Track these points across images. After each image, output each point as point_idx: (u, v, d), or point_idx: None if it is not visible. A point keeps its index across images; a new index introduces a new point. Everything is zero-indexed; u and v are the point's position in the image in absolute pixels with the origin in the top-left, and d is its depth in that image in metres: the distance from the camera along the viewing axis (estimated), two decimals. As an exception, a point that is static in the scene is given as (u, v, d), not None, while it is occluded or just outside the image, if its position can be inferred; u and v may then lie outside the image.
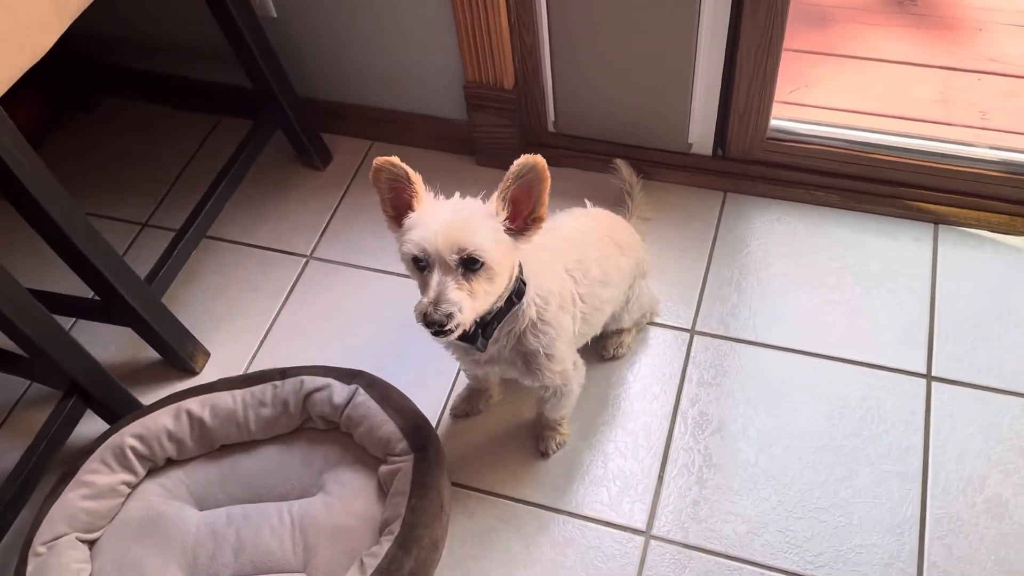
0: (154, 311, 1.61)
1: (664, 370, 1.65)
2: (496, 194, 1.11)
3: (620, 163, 1.86)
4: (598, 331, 1.52)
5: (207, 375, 1.72)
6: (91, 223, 1.41)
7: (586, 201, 1.54)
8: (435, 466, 1.38)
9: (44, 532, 1.34)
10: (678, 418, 1.58)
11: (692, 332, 1.70)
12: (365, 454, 1.44)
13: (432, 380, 1.67)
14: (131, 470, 1.44)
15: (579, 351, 1.43)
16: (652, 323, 1.71)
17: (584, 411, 1.60)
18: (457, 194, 1.15)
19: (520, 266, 1.21)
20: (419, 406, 1.43)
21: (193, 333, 1.73)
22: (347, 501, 1.40)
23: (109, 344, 1.81)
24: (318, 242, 1.93)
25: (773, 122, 1.81)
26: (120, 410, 1.55)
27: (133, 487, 1.45)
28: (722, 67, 1.71)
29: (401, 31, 1.84)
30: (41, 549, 1.32)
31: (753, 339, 1.67)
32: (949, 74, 2.12)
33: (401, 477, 1.37)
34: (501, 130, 1.93)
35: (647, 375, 1.65)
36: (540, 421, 1.55)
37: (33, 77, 1.32)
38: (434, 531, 1.32)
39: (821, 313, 1.69)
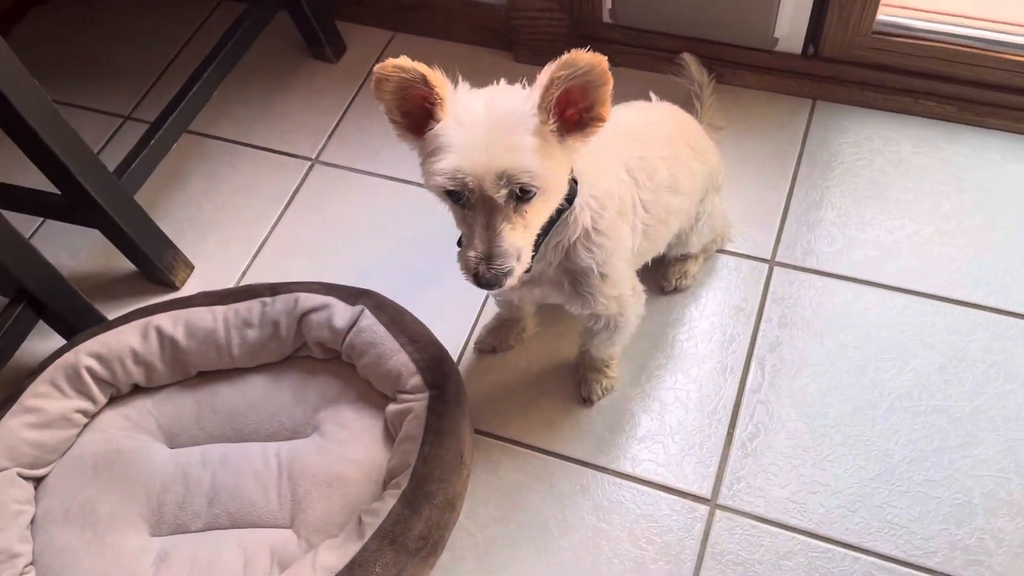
0: (125, 210, 1.36)
1: (737, 307, 1.37)
2: (537, 92, 0.84)
3: (688, 58, 1.55)
4: (661, 250, 1.25)
5: (190, 290, 1.46)
6: (50, 102, 1.18)
7: (651, 94, 1.27)
8: (455, 407, 1.13)
9: (-23, 465, 1.13)
10: (752, 365, 1.30)
11: (772, 263, 1.41)
12: (370, 390, 1.22)
13: (454, 307, 1.40)
14: (88, 396, 1.21)
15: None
16: (723, 250, 1.43)
17: (637, 352, 1.33)
18: (493, 84, 0.90)
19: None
20: (437, 337, 1.18)
21: (176, 243, 1.48)
22: (346, 445, 1.17)
23: (79, 251, 1.57)
24: (325, 144, 1.68)
25: (880, 16, 1.49)
26: (80, 325, 1.31)
27: (91, 417, 1.24)
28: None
29: None
30: (-28, 484, 1.11)
31: (847, 274, 1.38)
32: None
33: (412, 419, 1.12)
34: (547, 18, 1.66)
35: (716, 312, 1.37)
36: (584, 360, 1.29)
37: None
38: (451, 486, 1.08)
39: (933, 245, 1.39)
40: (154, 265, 1.45)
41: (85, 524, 1.11)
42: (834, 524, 1.16)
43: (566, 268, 1.05)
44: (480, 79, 0.90)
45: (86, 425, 1.22)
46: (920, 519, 1.15)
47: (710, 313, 1.37)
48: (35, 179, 1.31)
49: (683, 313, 1.38)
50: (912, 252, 1.39)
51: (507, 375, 1.35)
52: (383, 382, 1.20)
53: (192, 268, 1.52)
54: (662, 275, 1.39)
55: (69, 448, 1.20)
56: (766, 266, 1.41)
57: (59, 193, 1.32)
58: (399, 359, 1.18)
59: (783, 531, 1.16)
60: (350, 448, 1.19)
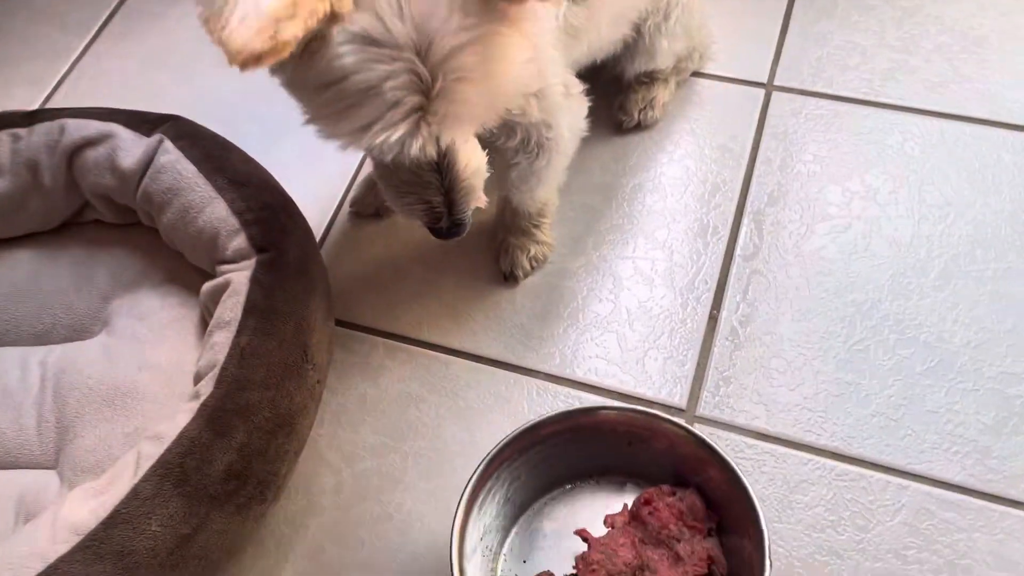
0: None
1: (723, 147, 0.98)
2: None
3: None
4: (608, 41, 0.84)
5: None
6: None
7: None
8: (295, 279, 0.74)
9: None
10: (744, 222, 0.92)
11: (769, 87, 1.01)
12: (183, 264, 0.84)
13: (319, 158, 0.98)
14: None
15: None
16: (700, 73, 1.03)
17: (581, 208, 0.94)
18: None
19: None
20: (295, 196, 0.79)
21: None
22: (143, 345, 0.80)
23: None
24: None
25: None
26: None
27: None
28: None
29: None
30: None
31: (871, 98, 0.98)
32: None
33: (230, 296, 0.72)
34: None
35: (693, 154, 0.97)
36: (504, 219, 0.90)
37: None
38: (285, 397, 0.70)
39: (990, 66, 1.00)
40: None
41: None
42: (868, 440, 0.79)
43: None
44: None
45: None
46: (995, 429, 0.78)
47: (684, 155, 0.97)
48: None
49: (648, 157, 0.98)
50: (954, 71, 1.00)
51: (395, 248, 0.94)
52: (196, 248, 0.80)
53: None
54: (619, 106, 0.98)
55: None
56: (761, 91, 1.01)
57: None
58: (215, 211, 0.77)
59: (793, 451, 0.79)
60: (148, 349, 0.80)
